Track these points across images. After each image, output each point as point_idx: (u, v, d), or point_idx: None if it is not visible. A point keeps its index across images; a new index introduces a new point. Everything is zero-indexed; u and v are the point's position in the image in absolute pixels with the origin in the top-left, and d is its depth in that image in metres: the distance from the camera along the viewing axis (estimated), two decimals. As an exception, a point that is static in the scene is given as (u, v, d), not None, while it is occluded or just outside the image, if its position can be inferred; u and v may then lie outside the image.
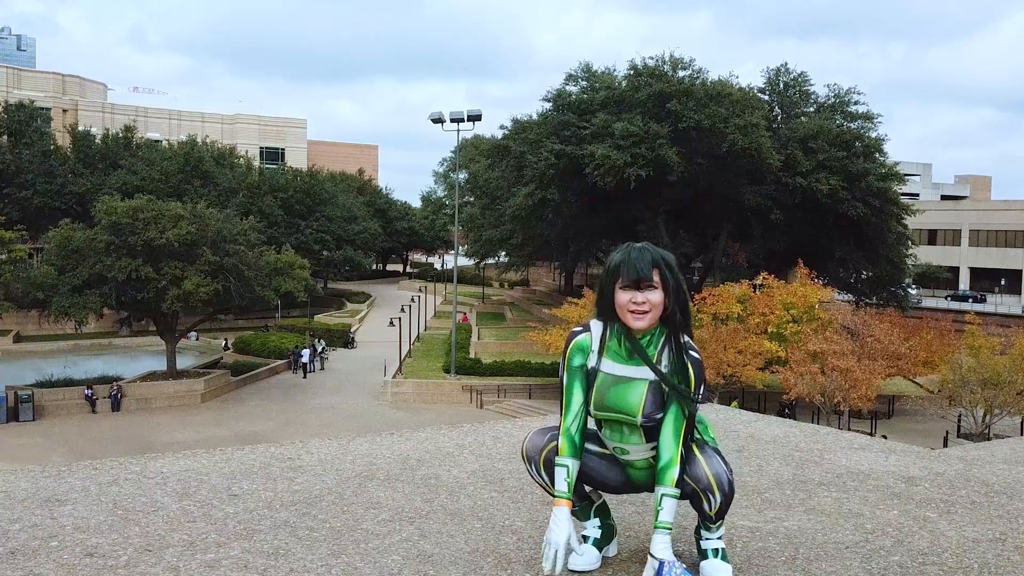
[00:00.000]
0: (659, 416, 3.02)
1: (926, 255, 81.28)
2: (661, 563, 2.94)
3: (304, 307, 72.77)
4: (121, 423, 44.42)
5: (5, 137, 76.98)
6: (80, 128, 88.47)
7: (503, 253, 78.64)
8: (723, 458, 3.13)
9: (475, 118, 55.22)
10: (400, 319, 58.39)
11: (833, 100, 56.79)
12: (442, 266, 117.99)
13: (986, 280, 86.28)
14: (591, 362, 3.12)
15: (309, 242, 79.26)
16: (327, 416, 46.09)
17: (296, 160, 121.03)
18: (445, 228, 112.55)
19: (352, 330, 72.33)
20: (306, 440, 5.30)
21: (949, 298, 79.93)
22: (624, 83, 53.55)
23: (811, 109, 57.18)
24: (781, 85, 57.63)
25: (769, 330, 43.40)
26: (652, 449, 3.09)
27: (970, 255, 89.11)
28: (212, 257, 48.84)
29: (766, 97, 57.20)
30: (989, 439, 37.24)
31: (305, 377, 56.42)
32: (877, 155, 54.76)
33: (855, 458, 5.08)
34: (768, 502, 4.19)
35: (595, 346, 3.13)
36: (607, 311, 3.06)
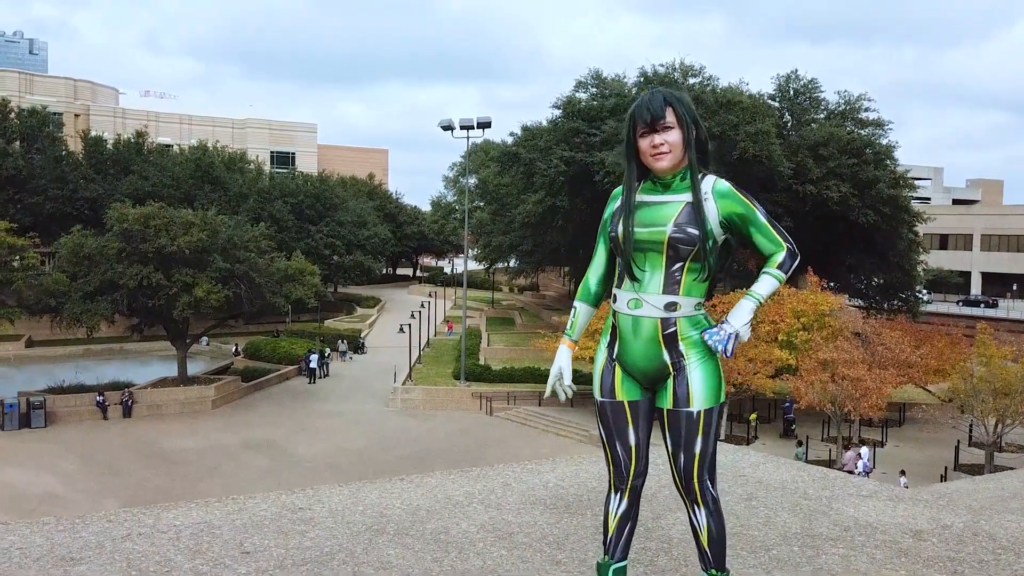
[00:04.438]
0: (692, 231, 3.14)
1: (937, 260, 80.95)
2: (721, 326, 3.17)
3: (314, 312, 72.90)
4: (132, 430, 44.55)
5: (17, 143, 77.33)
6: (92, 133, 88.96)
7: (513, 260, 78.61)
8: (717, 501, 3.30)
9: (485, 125, 55.25)
10: (410, 325, 58.44)
11: (844, 107, 56.62)
12: (452, 270, 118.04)
13: (998, 285, 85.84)
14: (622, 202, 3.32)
15: (319, 247, 79.37)
16: (336, 423, 46.14)
17: (306, 164, 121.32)
18: (455, 233, 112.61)
19: (362, 335, 72.42)
20: (317, 487, 5.34)
21: (961, 303, 79.56)
22: (635, 90, 53.52)
23: (821, 116, 57.02)
24: (791, 92, 57.48)
25: (779, 338, 43.28)
26: (667, 306, 3.19)
27: (982, 260, 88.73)
28: (223, 264, 48.99)
29: (776, 104, 57.07)
30: (1001, 449, 37.11)
31: (313, 382, 56.48)
32: (888, 162, 54.60)
33: (863, 508, 5.09)
34: (776, 560, 4.21)
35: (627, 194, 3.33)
36: (633, 159, 3.30)
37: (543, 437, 42.33)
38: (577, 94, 56.35)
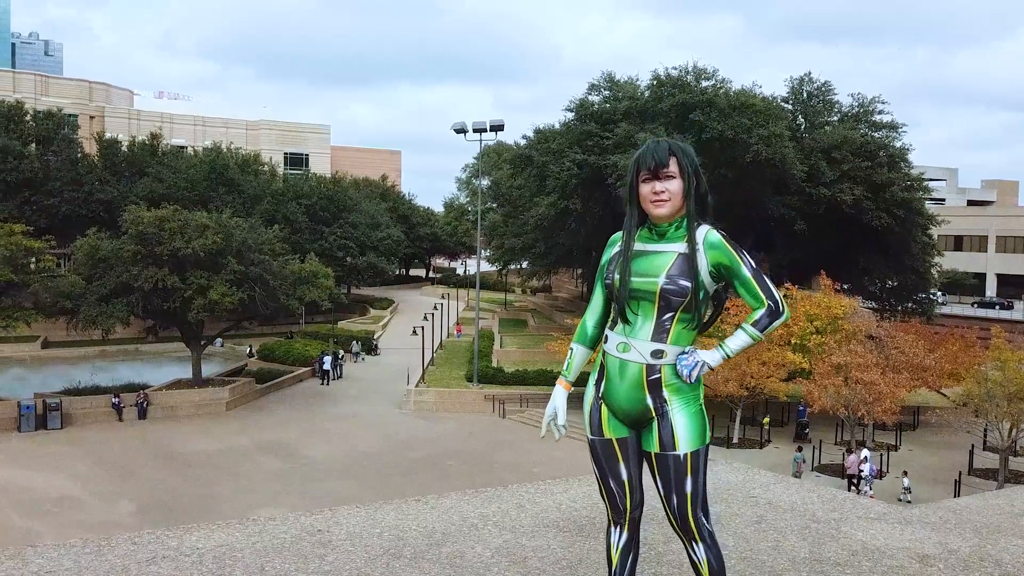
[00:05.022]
0: (683, 283, 3.26)
1: (952, 261, 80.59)
2: (691, 352, 3.34)
3: (328, 314, 73.18)
4: (147, 432, 44.85)
5: (33, 145, 77.89)
6: (107, 135, 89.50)
7: (525, 262, 78.71)
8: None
9: (497, 128, 55.40)
10: (423, 328, 58.61)
11: (857, 109, 56.54)
12: (464, 271, 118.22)
13: (1014, 286, 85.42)
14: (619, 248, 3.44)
15: (333, 249, 79.70)
16: (350, 425, 46.34)
17: (320, 166, 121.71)
18: (468, 234, 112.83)
19: (375, 336, 72.68)
20: (335, 509, 5.45)
21: (976, 305, 79.25)
22: (647, 93, 53.61)
23: (835, 118, 56.94)
24: (805, 94, 57.44)
25: (792, 341, 43.25)
26: (653, 353, 3.32)
27: (997, 261, 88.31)
28: (237, 267, 49.26)
29: (789, 106, 57.04)
30: (1016, 454, 36.98)
31: (328, 384, 56.75)
32: (902, 165, 54.50)
33: (871, 531, 5.17)
34: (784, 587, 4.30)
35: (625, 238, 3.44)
36: (634, 204, 3.41)
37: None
38: (590, 97, 56.45)
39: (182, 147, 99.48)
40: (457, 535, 4.94)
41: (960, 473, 33.93)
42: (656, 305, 3.29)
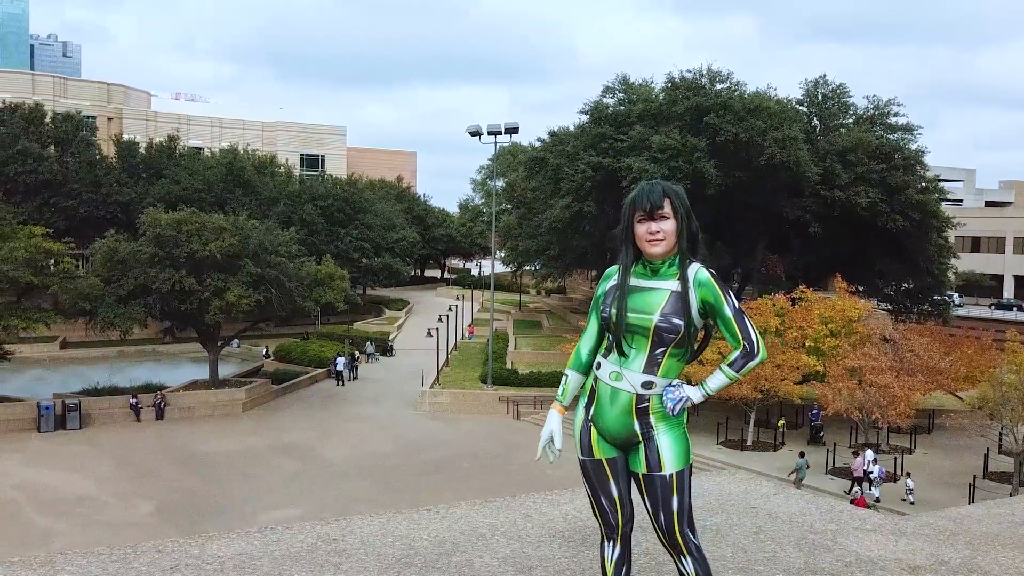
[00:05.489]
0: (676, 321, 3.48)
1: (969, 263, 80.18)
2: (677, 387, 3.56)
3: (344, 315, 73.57)
4: (164, 432, 45.31)
5: (52, 147, 78.66)
6: (124, 136, 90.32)
7: (539, 264, 78.84)
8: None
9: (512, 131, 55.58)
10: (438, 329, 58.90)
11: (872, 112, 56.39)
12: (479, 272, 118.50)
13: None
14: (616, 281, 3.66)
15: (348, 250, 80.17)
16: (365, 427, 46.65)
17: (336, 167, 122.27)
18: (482, 235, 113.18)
19: (390, 338, 73.03)
20: (349, 518, 5.67)
21: (993, 307, 78.90)
22: (661, 96, 53.68)
23: (850, 121, 56.81)
24: (819, 97, 57.35)
25: (807, 344, 43.27)
26: (643, 384, 3.55)
27: (1015, 263, 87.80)
28: (254, 269, 49.68)
29: (804, 109, 56.97)
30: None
31: (342, 385, 57.13)
32: (917, 167, 54.34)
33: (866, 542, 5.35)
34: (778, 597, 4.48)
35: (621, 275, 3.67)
36: (629, 243, 3.63)
37: (568, 442, 42.49)
38: (604, 99, 56.55)
39: (199, 149, 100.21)
40: (466, 544, 5.15)
41: (974, 477, 33.88)
42: (650, 340, 3.51)
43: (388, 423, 47.38)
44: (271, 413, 49.86)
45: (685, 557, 3.60)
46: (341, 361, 58.52)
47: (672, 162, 48.39)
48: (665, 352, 3.53)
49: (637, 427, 3.58)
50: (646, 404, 3.56)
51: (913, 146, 54.99)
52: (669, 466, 3.56)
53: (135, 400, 47.84)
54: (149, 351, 67.59)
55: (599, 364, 3.68)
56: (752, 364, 3.50)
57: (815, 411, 42.67)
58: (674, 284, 3.53)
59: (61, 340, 68.58)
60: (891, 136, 55.25)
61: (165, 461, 40.12)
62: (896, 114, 56.25)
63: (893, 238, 52.59)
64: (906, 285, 58.87)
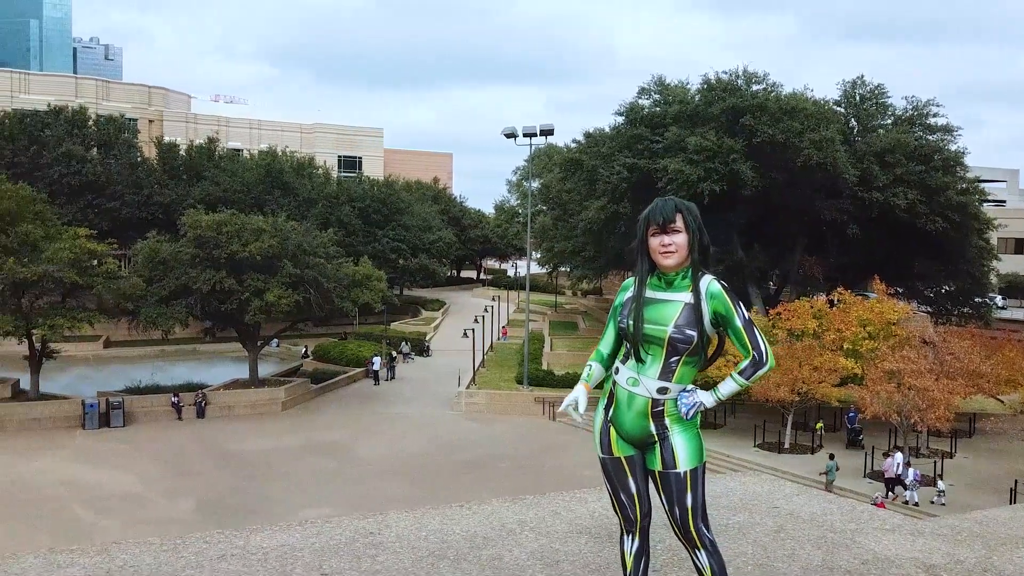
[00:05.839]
0: (690, 332, 3.73)
1: (1013, 264, 79.04)
2: (691, 392, 3.80)
3: (381, 315, 74.24)
4: (205, 430, 46.07)
5: (95, 149, 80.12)
6: (165, 138, 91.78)
7: (574, 265, 78.93)
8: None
9: (547, 132, 55.82)
10: (473, 330, 59.25)
11: (911, 112, 55.74)
12: (515, 273, 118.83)
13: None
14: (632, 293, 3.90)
15: (385, 251, 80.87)
16: (401, 426, 47.10)
17: (373, 169, 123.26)
18: (518, 236, 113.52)
19: (427, 338, 73.56)
20: (385, 513, 5.93)
21: (1036, 309, 77.71)
22: (697, 97, 53.51)
23: (888, 122, 56.22)
24: (857, 97, 56.82)
25: (845, 347, 42.98)
26: (659, 390, 3.79)
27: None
28: (292, 269, 50.38)
29: (842, 110, 56.48)
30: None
31: (378, 384, 57.71)
32: (957, 168, 53.66)
33: (884, 542, 5.52)
34: (795, 592, 4.67)
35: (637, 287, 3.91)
36: (644, 255, 3.84)
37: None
38: (640, 100, 56.51)
39: (238, 150, 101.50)
40: (496, 539, 5.38)
41: (1016, 482, 33.53)
42: (664, 350, 3.76)
43: (424, 423, 47.78)
44: (309, 412, 50.49)
45: (700, 550, 3.83)
46: (377, 361, 59.09)
47: (708, 163, 48.28)
48: (679, 360, 3.76)
49: (653, 428, 3.82)
50: (661, 408, 3.81)
51: (953, 147, 54.34)
52: (683, 464, 3.79)
53: (176, 398, 48.70)
54: (190, 350, 68.63)
55: (617, 369, 3.93)
56: (760, 372, 3.73)
57: (851, 414, 42.41)
58: (687, 296, 3.76)
59: (104, 339, 69.85)
60: (930, 137, 54.63)
61: (206, 459, 40.83)
62: (935, 115, 55.60)
63: (932, 240, 52.00)
64: (947, 287, 58.20)
